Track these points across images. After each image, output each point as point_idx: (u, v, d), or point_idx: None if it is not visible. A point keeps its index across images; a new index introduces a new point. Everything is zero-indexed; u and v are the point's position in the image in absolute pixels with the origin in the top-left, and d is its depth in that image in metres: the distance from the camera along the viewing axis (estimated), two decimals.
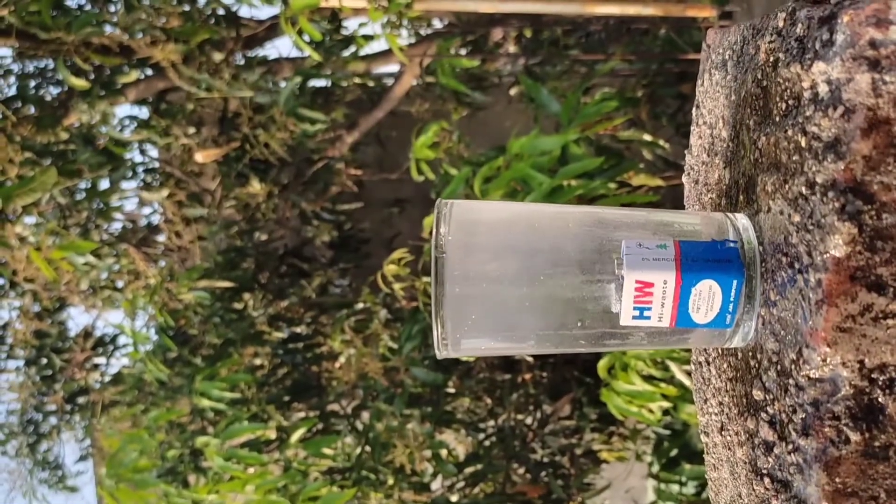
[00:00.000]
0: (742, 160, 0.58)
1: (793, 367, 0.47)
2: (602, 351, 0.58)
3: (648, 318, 0.56)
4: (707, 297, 0.55)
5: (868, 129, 0.42)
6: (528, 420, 3.08)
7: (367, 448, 2.86)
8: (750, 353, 0.55)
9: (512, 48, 3.72)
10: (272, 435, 2.87)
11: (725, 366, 0.63)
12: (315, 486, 2.60)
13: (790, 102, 0.49)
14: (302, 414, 3.13)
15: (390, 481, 2.77)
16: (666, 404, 1.95)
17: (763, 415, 0.52)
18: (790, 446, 0.49)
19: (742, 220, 0.57)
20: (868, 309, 0.43)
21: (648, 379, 1.94)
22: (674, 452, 2.76)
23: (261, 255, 3.15)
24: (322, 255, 3.51)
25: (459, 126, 3.00)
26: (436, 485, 2.99)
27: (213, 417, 2.53)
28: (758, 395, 0.53)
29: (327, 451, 2.75)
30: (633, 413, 1.95)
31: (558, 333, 0.56)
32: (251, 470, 2.53)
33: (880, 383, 0.45)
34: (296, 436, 2.72)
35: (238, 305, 2.90)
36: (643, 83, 3.01)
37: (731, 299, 0.55)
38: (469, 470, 2.89)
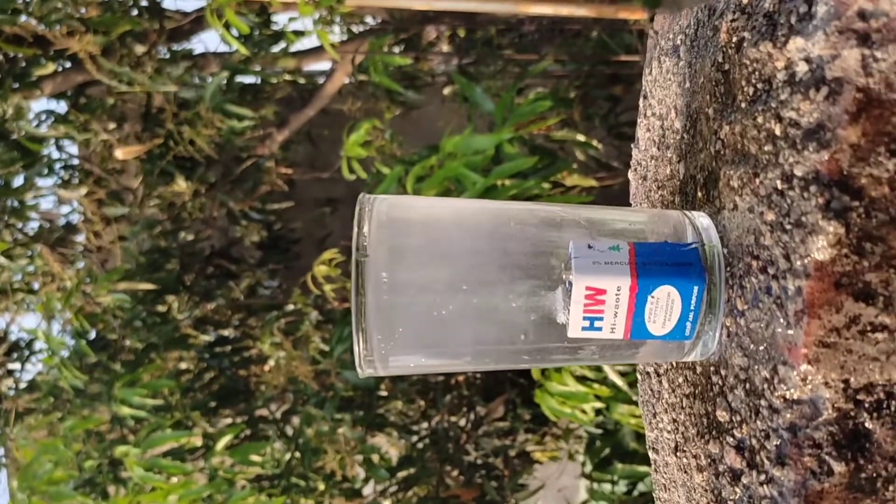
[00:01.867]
0: (700, 153, 0.52)
1: (765, 386, 0.42)
2: (548, 366, 0.51)
3: (600, 328, 0.50)
4: (665, 305, 0.49)
5: (857, 114, 0.36)
6: (462, 422, 3.04)
7: (297, 454, 2.79)
8: (712, 368, 0.49)
9: (446, 47, 3.67)
10: (198, 442, 2.78)
11: (681, 380, 0.57)
12: (242, 495, 2.54)
13: (759, 86, 0.43)
14: (229, 420, 3.06)
15: (321, 487, 2.72)
16: (599, 405, 1.94)
17: (729, 439, 0.46)
18: (762, 476, 0.44)
19: (702, 218, 0.51)
20: (855, 321, 0.38)
21: (581, 379, 1.92)
22: (606, 452, 2.75)
23: (186, 256, 3.04)
24: (251, 255, 3.41)
25: (392, 125, 2.94)
26: (368, 490, 2.95)
27: (133, 425, 2.43)
28: (722, 415, 0.47)
29: (255, 458, 2.68)
30: (567, 414, 1.94)
31: (498, 349, 0.49)
32: (174, 480, 2.45)
33: (867, 406, 0.39)
34: (222, 443, 2.63)
35: (161, 308, 2.79)
36: (576, 84, 3.00)
37: (692, 307, 0.49)
38: (402, 474, 2.85)
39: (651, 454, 0.72)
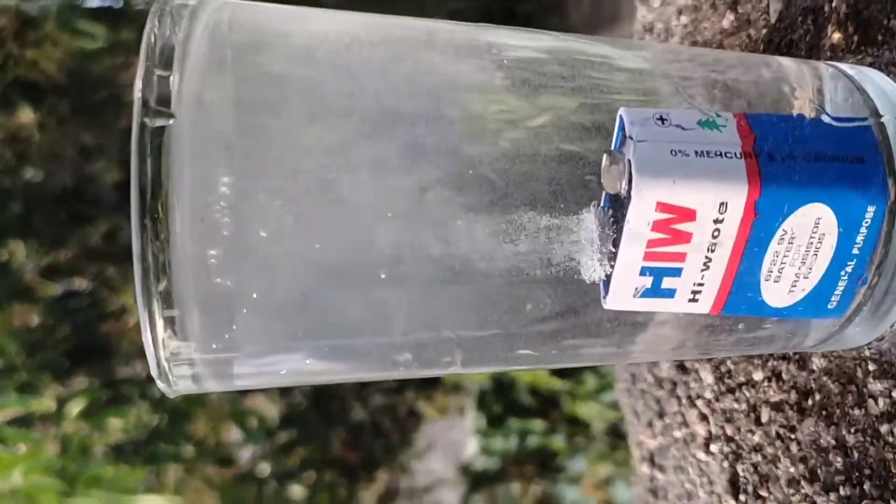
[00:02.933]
0: None
1: None
2: (566, 366, 0.24)
3: (670, 293, 0.24)
4: (805, 244, 0.23)
5: None
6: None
7: (165, 418, 2.59)
8: (873, 369, 0.25)
9: None
10: (52, 406, 2.54)
11: (759, 376, 0.32)
12: (99, 465, 2.35)
13: None
14: (86, 382, 2.80)
15: (191, 454, 2.53)
16: None
17: None
18: None
19: (871, 73, 0.25)
20: None
21: None
22: (498, 408, 2.65)
23: (33, 197, 2.70)
24: (109, 197, 3.07)
25: None
26: (247, 454, 2.76)
27: None
28: None
29: (116, 423, 2.47)
30: None
31: (470, 336, 0.23)
32: (22, 450, 2.31)
33: None
34: (76, 407, 2.42)
35: (2, 255, 2.51)
36: None
37: (857, 250, 0.24)
38: (284, 436, 2.67)
39: (645, 467, 0.48)
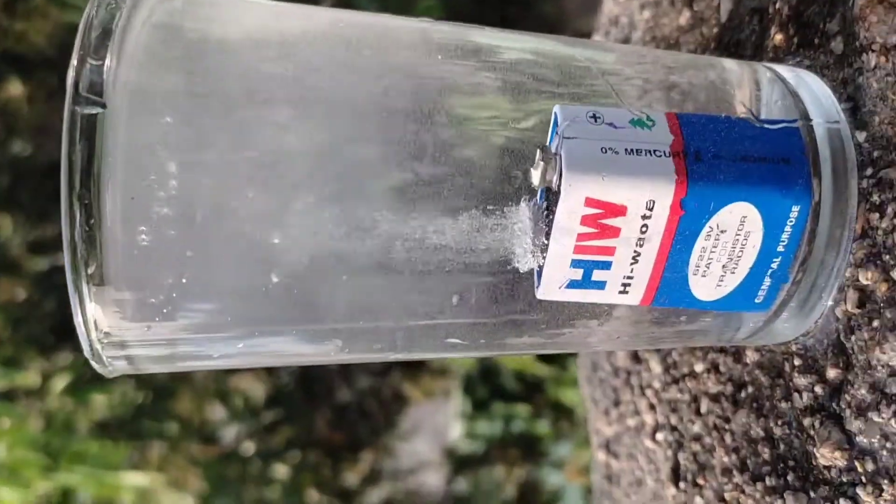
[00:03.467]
0: None
1: None
2: (497, 355, 0.25)
3: (601, 284, 0.25)
4: (731, 240, 0.24)
5: None
6: None
7: (150, 396, 2.58)
8: (797, 363, 0.25)
9: None
10: (37, 381, 2.53)
11: (700, 368, 0.33)
12: (83, 441, 2.33)
13: None
14: (71, 358, 2.78)
15: (175, 432, 2.52)
16: None
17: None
18: None
19: (804, 76, 0.26)
20: None
21: None
22: (484, 393, 2.65)
23: (20, 171, 2.67)
24: None
25: None
26: (231, 433, 2.75)
27: None
28: (827, 456, 0.24)
29: (101, 400, 2.46)
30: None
31: (401, 325, 0.24)
32: (6, 424, 2.30)
33: None
34: (61, 383, 2.40)
35: None
36: None
37: (782, 247, 0.25)
38: (269, 416, 2.66)
39: (601, 454, 0.49)
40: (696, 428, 0.35)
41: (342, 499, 2.55)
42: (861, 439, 0.25)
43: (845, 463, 0.26)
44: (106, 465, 2.45)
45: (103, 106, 0.21)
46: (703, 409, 0.35)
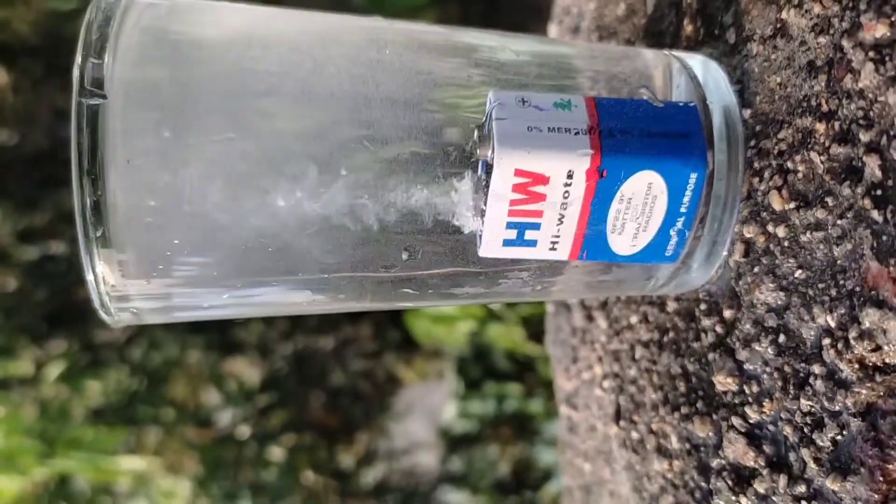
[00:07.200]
0: None
1: (824, 340, 0.23)
2: (444, 305, 0.30)
3: (533, 243, 0.29)
4: (641, 203, 0.29)
5: None
6: (328, 344, 2.88)
7: (144, 382, 2.61)
8: (703, 307, 0.30)
9: None
10: (30, 369, 2.56)
11: (634, 319, 0.38)
12: (78, 427, 2.35)
13: None
14: (65, 346, 2.81)
15: (171, 417, 2.54)
16: (471, 325, 1.83)
17: (735, 420, 0.28)
18: (801, 487, 0.25)
19: (705, 62, 0.31)
20: None
21: None
22: (476, 373, 2.68)
23: (6, 159, 2.70)
24: None
25: None
26: (227, 417, 2.78)
27: None
28: (724, 382, 0.29)
29: (95, 387, 2.48)
30: (438, 334, 1.82)
31: (361, 276, 0.28)
32: (1, 412, 2.26)
33: None
34: (55, 371, 2.42)
35: None
36: None
37: (684, 209, 0.29)
38: (264, 399, 2.69)
39: (564, 408, 0.54)
40: (633, 372, 0.40)
41: (338, 480, 2.59)
42: (748, 366, 0.30)
43: (737, 387, 0.30)
44: (102, 451, 2.48)
45: (104, 97, 0.25)
46: (637, 355, 0.39)
